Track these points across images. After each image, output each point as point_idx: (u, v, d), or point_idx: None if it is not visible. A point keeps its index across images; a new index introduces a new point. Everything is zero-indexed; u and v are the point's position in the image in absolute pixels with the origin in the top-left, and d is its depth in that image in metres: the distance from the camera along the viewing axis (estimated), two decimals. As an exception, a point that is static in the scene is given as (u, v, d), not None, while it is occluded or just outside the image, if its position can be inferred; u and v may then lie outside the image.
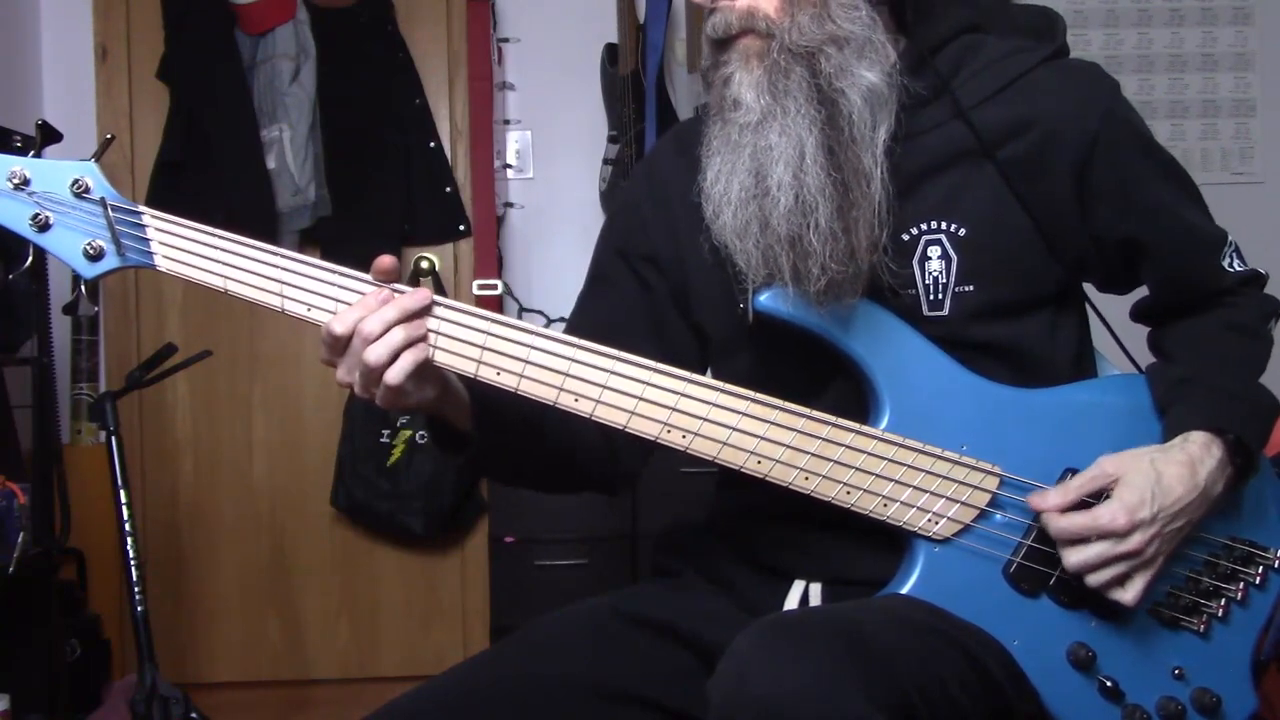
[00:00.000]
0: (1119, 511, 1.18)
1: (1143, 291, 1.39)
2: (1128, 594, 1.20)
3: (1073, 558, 1.19)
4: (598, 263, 1.46)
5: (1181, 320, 1.35)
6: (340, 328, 1.15)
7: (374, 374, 1.15)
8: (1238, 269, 1.32)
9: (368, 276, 1.19)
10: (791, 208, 1.18)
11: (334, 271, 1.19)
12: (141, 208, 1.18)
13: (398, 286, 1.18)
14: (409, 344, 1.15)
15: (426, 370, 1.18)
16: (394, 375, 1.15)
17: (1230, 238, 1.33)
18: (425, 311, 1.18)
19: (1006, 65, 1.29)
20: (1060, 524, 1.20)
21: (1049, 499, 1.21)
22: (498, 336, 1.20)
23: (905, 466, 1.22)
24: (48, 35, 3.36)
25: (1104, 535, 1.18)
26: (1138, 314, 1.40)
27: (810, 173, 1.18)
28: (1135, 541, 1.18)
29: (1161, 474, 1.20)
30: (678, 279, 1.39)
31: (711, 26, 1.25)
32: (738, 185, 1.21)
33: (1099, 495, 1.21)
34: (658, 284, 1.41)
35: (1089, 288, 1.39)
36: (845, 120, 1.19)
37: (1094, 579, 1.19)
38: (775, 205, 1.19)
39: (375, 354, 1.14)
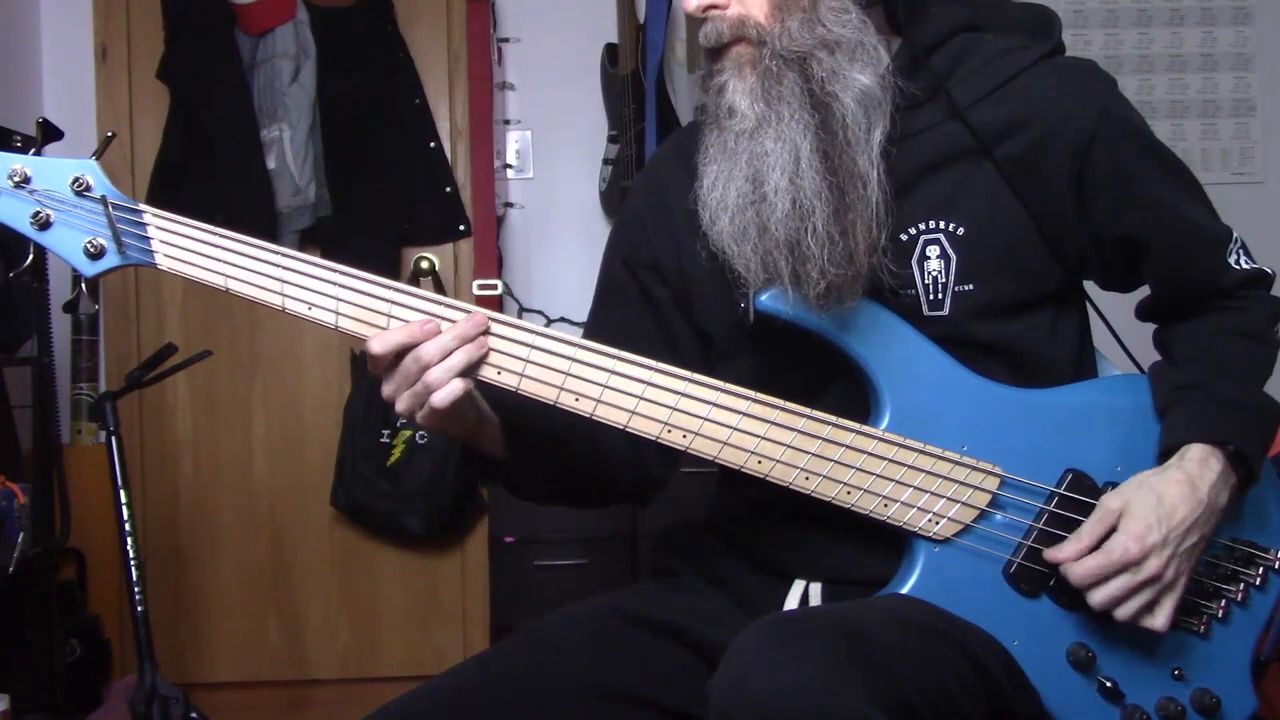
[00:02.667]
0: (1129, 541, 1.18)
1: (1147, 290, 1.38)
2: (1158, 620, 1.20)
3: (1097, 596, 1.19)
4: (606, 274, 1.46)
5: (1187, 320, 1.35)
6: (379, 348, 1.16)
7: (424, 397, 1.17)
8: (1244, 266, 1.31)
9: (370, 275, 1.19)
10: (789, 212, 1.18)
11: (336, 270, 1.19)
12: (142, 206, 1.18)
13: (455, 303, 1.19)
14: (467, 369, 1.17)
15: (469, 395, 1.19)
16: (441, 398, 1.16)
17: (1236, 235, 1.32)
18: (484, 334, 1.19)
19: (1003, 64, 1.28)
20: (1078, 571, 1.19)
21: (1064, 550, 1.21)
22: (497, 336, 1.20)
23: (906, 467, 1.22)
24: (48, 35, 3.36)
25: (1121, 568, 1.18)
26: (1143, 312, 1.40)
27: (806, 177, 1.18)
28: (1153, 566, 1.18)
29: (1162, 496, 1.20)
30: (680, 284, 1.39)
31: (704, 35, 1.25)
32: (735, 191, 1.22)
33: (1110, 534, 1.20)
34: (661, 292, 1.41)
35: (1091, 287, 1.39)
36: (839, 124, 1.19)
37: (1121, 612, 1.19)
38: (772, 210, 1.19)
39: (434, 377, 1.16)
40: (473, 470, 1.32)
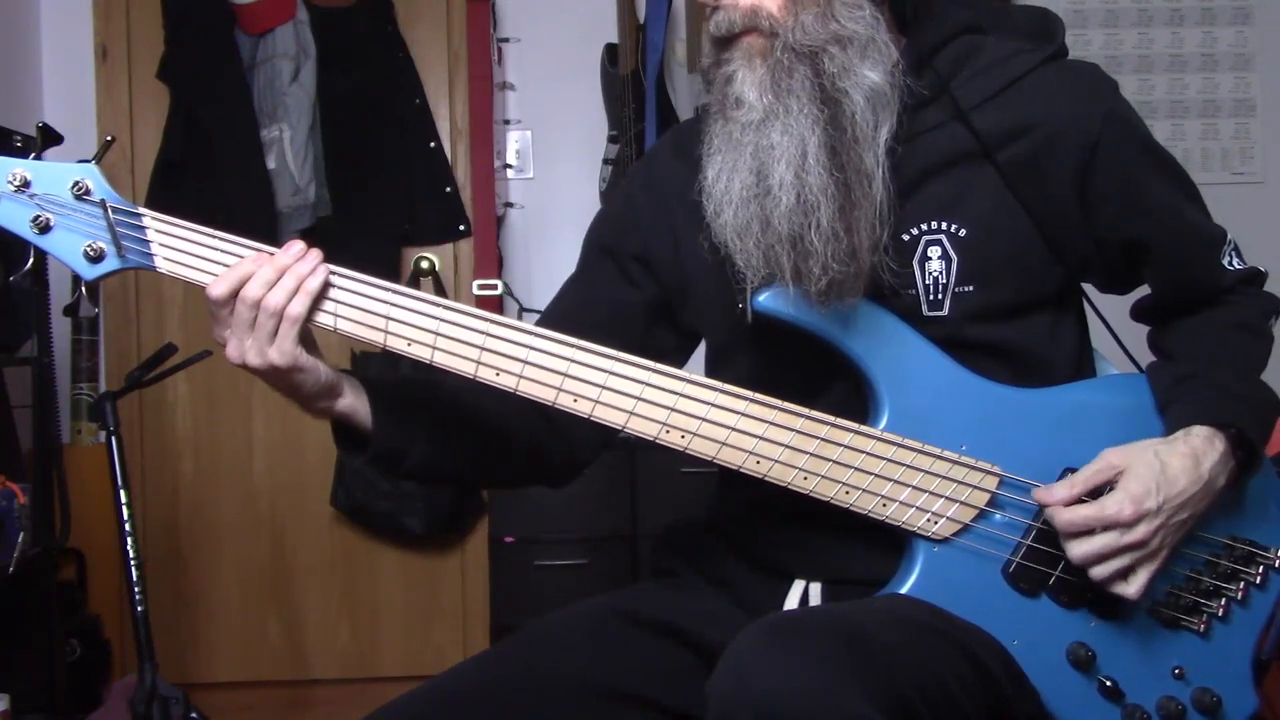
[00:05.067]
0: (1125, 502, 1.18)
1: (1143, 291, 1.39)
2: (1131, 587, 1.20)
3: (1077, 550, 1.19)
4: (583, 257, 1.46)
5: (1182, 319, 1.35)
6: (220, 289, 1.16)
7: (271, 322, 1.16)
8: (1237, 267, 1.32)
9: (369, 277, 1.19)
10: (793, 207, 1.18)
11: (334, 273, 1.19)
12: (141, 209, 1.18)
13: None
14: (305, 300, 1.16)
15: (307, 343, 1.19)
16: (296, 307, 1.15)
17: (1229, 236, 1.33)
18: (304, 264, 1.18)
19: (1007, 66, 1.28)
20: (1065, 517, 1.19)
21: (1054, 493, 1.21)
22: (497, 337, 1.20)
23: (904, 466, 1.22)
24: (48, 35, 3.36)
25: (1110, 526, 1.18)
26: (1138, 313, 1.41)
27: (813, 172, 1.18)
28: (1141, 532, 1.18)
29: (1166, 465, 1.20)
30: (675, 280, 1.39)
31: (714, 24, 1.25)
32: (739, 184, 1.21)
33: (1103, 489, 1.20)
34: (646, 284, 1.41)
35: (1089, 287, 1.39)
36: (848, 120, 1.19)
37: (1098, 571, 1.19)
38: (776, 204, 1.19)
39: (274, 298, 1.15)
40: (342, 446, 1.30)
